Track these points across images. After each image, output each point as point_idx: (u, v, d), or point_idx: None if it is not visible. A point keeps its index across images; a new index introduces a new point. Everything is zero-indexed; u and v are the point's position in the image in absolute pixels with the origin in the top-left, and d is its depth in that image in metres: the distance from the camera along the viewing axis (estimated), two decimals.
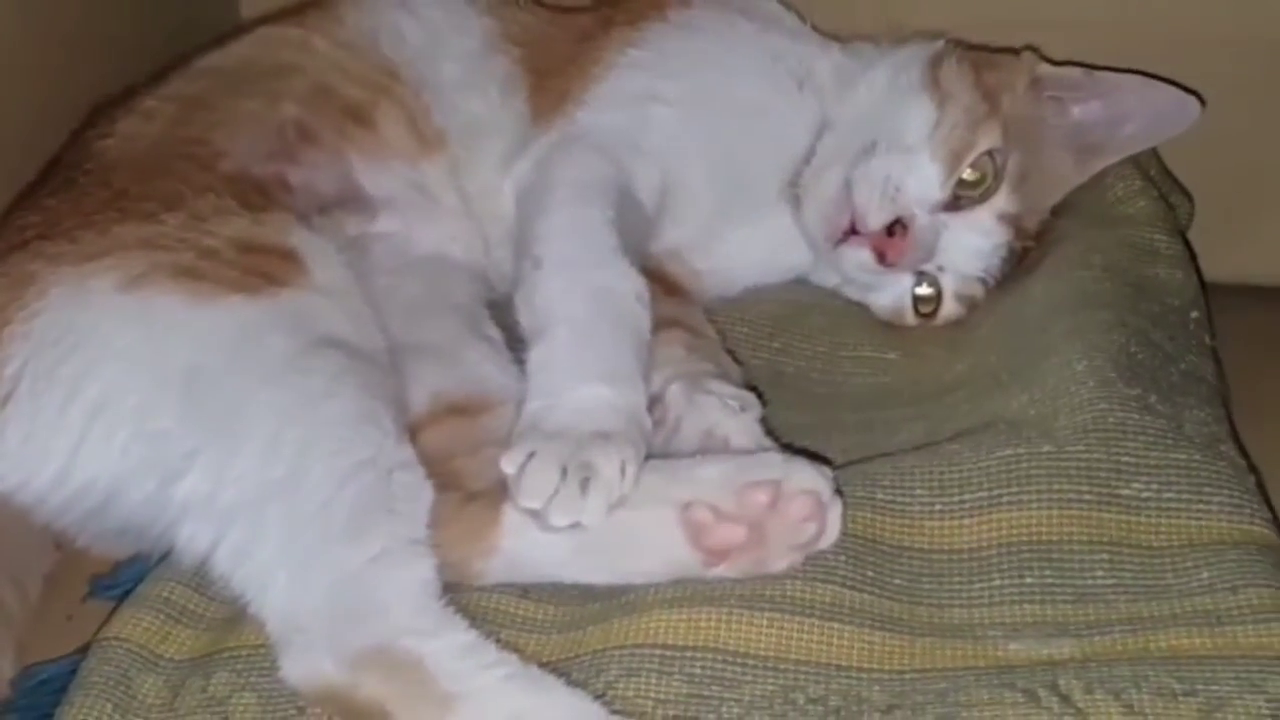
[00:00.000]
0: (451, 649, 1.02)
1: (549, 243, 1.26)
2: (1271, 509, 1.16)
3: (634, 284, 1.23)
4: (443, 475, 1.14)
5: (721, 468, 1.10)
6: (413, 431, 1.18)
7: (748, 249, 1.47)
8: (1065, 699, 1.00)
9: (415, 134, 1.40)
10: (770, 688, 1.03)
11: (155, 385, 1.12)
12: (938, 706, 1.01)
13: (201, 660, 1.10)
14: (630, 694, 1.02)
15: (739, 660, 1.04)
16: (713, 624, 1.05)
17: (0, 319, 1.15)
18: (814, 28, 1.52)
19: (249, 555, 1.07)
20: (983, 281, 1.38)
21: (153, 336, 1.14)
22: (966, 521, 1.14)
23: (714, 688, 1.03)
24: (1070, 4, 1.56)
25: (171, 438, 1.11)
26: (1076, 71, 1.41)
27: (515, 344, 1.27)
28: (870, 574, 1.10)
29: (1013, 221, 1.37)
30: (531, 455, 1.09)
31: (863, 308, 1.45)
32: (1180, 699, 0.99)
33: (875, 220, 1.32)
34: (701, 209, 1.43)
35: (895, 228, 1.32)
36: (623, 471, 1.08)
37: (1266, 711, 0.98)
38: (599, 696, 1.01)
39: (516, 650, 1.05)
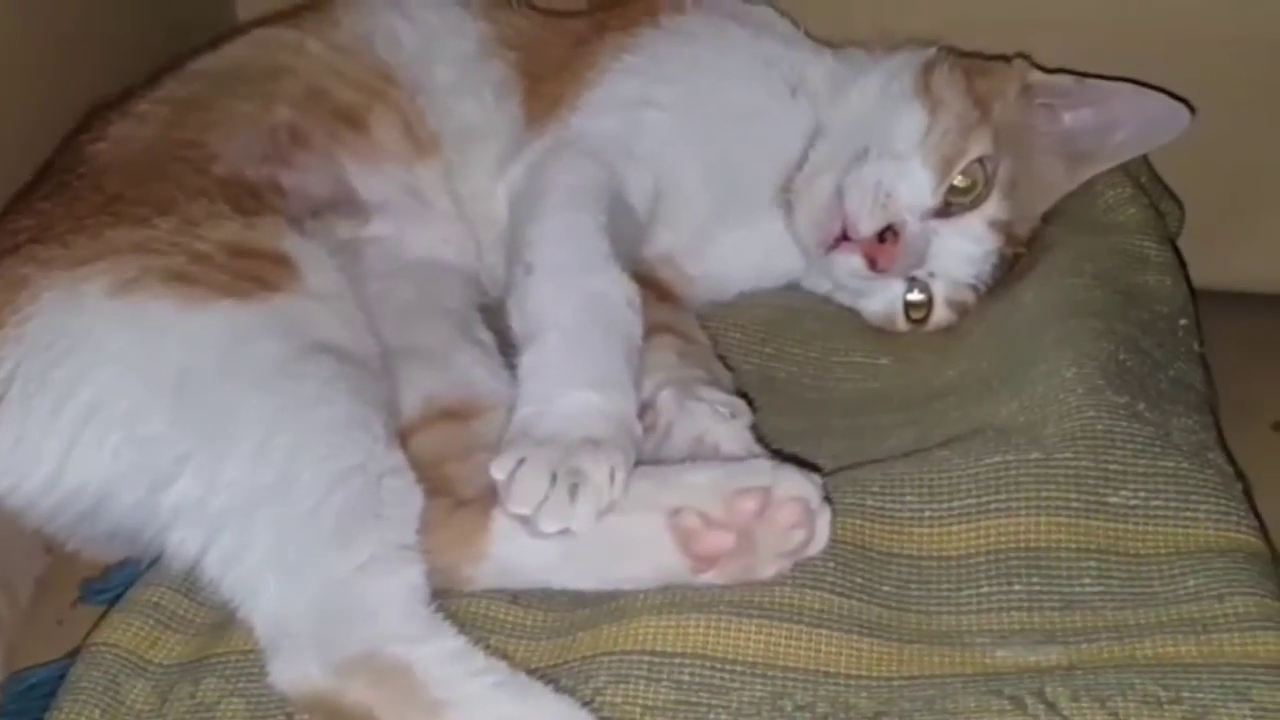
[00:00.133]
0: (440, 655, 1.02)
1: (541, 248, 1.26)
2: (1258, 517, 1.16)
3: (625, 290, 1.23)
4: (433, 480, 1.14)
5: (711, 474, 1.10)
6: (404, 436, 1.18)
7: (740, 254, 1.47)
8: (1051, 706, 1.00)
9: (409, 138, 1.40)
10: (758, 694, 1.03)
11: (146, 390, 1.12)
12: (925, 713, 1.02)
13: (190, 666, 1.10)
14: (619, 700, 1.02)
15: (727, 667, 1.04)
16: (701, 630, 1.05)
17: None
18: (807, 34, 1.52)
19: (238, 560, 1.07)
20: (973, 288, 1.39)
21: (144, 341, 1.14)
22: (955, 528, 1.15)
23: (702, 694, 1.03)
24: (1061, 9, 1.55)
25: (162, 442, 1.11)
26: (1068, 79, 1.42)
27: (508, 348, 1.27)
28: (859, 580, 1.10)
29: (1003, 228, 1.37)
30: (521, 461, 1.09)
31: (854, 313, 1.45)
32: (1166, 706, 1.00)
33: (867, 227, 1.33)
34: (694, 214, 1.43)
35: (887, 234, 1.32)
36: (612, 478, 1.09)
37: (1251, 719, 0.98)
38: (587, 703, 1.02)
39: (505, 656, 1.05)
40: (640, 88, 1.42)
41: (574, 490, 1.08)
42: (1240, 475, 1.20)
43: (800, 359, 1.41)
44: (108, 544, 1.21)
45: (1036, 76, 1.42)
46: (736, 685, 1.03)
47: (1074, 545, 1.12)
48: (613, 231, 1.28)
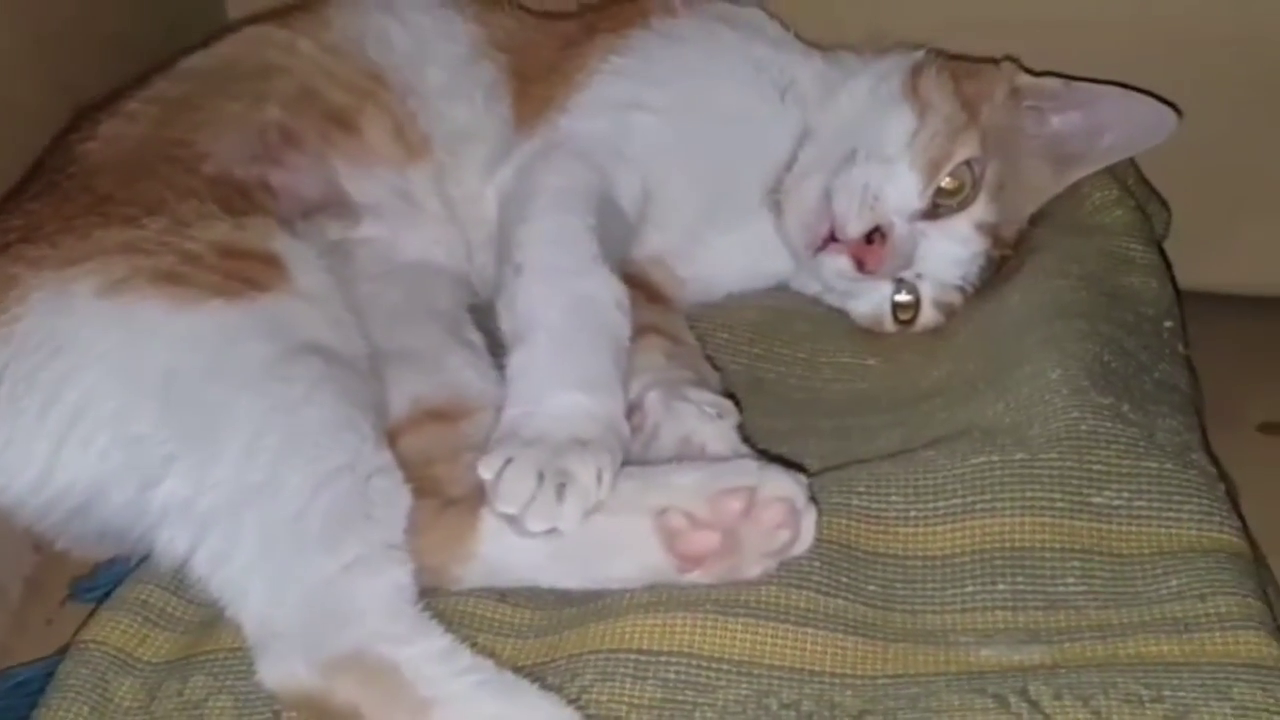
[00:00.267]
0: (427, 654, 1.02)
1: (530, 249, 1.27)
2: (1241, 517, 1.17)
3: (614, 291, 1.23)
4: (421, 480, 1.15)
5: (697, 475, 1.11)
6: (392, 436, 1.18)
7: (729, 256, 1.47)
8: (1034, 705, 1.01)
9: (400, 140, 1.40)
10: (744, 692, 1.04)
11: (135, 390, 1.13)
12: (909, 712, 1.03)
13: (178, 663, 1.11)
14: (605, 698, 1.03)
15: (713, 665, 1.05)
16: (687, 629, 1.06)
17: None
18: (797, 37, 1.52)
19: (226, 560, 1.07)
20: (961, 289, 1.39)
21: (133, 341, 1.14)
22: (940, 528, 1.15)
23: (688, 692, 1.04)
24: (1050, 9, 1.56)
25: (150, 443, 1.11)
26: (1055, 82, 1.42)
27: (498, 349, 1.27)
28: (844, 580, 1.11)
29: (990, 230, 1.38)
30: (509, 461, 1.10)
31: (842, 315, 1.45)
32: (1147, 705, 1.00)
33: (854, 228, 1.33)
34: (683, 216, 1.43)
35: (874, 236, 1.33)
36: (599, 478, 1.09)
37: (1232, 718, 0.99)
38: (574, 701, 1.02)
39: (493, 655, 1.06)
40: (630, 90, 1.42)
41: (561, 490, 1.08)
42: (1224, 476, 1.21)
43: (788, 360, 1.42)
44: (97, 542, 1.21)
45: (1024, 79, 1.42)
46: (722, 683, 1.04)
47: (1058, 545, 1.13)
48: (602, 233, 1.28)
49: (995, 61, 1.45)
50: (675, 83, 1.43)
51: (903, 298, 1.40)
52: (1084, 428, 1.18)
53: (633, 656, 1.05)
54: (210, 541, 1.08)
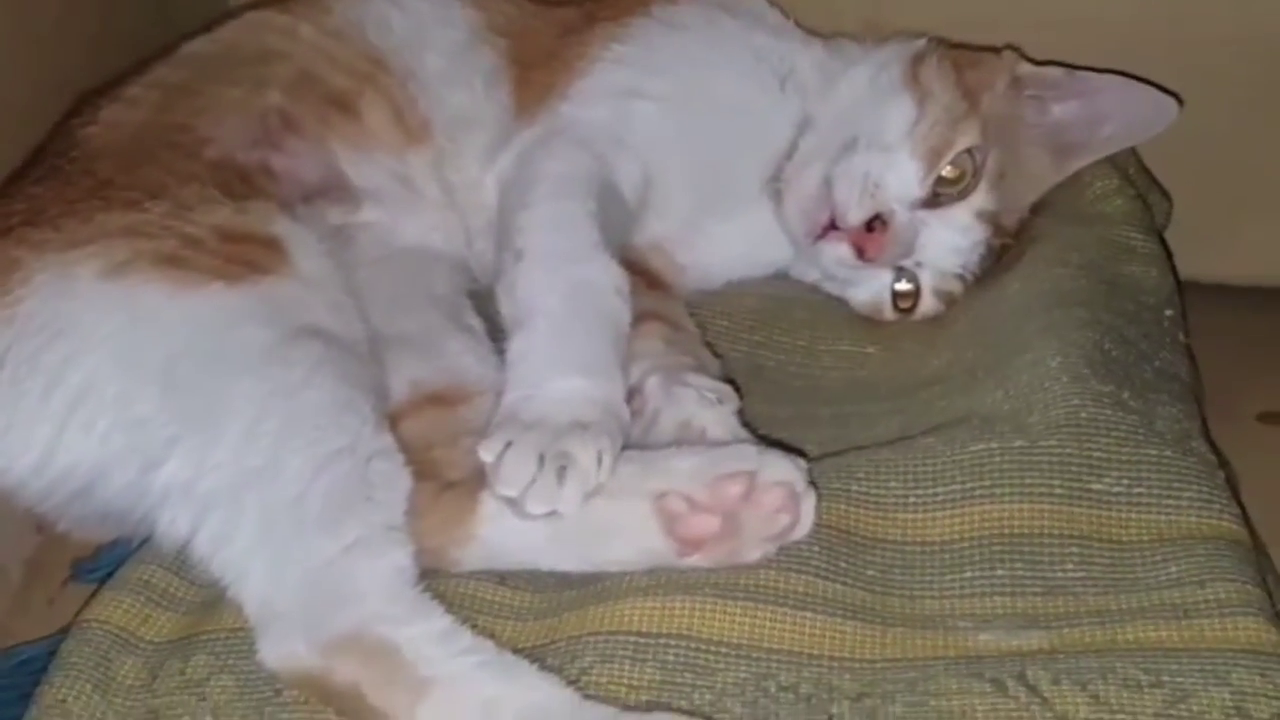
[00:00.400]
0: (427, 635, 1.03)
1: (530, 235, 1.27)
2: (1241, 505, 1.17)
3: (614, 277, 1.24)
4: (421, 464, 1.15)
5: (696, 459, 1.11)
6: (392, 421, 1.18)
7: (729, 243, 1.47)
8: (1032, 689, 1.01)
9: (400, 125, 1.40)
10: (742, 675, 1.04)
11: (137, 373, 1.13)
12: (907, 695, 1.03)
13: (180, 643, 1.11)
14: (604, 680, 1.03)
15: (712, 648, 1.05)
16: (686, 612, 1.06)
17: None
18: (797, 25, 1.52)
19: (227, 542, 1.08)
20: (961, 278, 1.39)
21: (135, 324, 1.14)
22: (939, 514, 1.16)
23: (687, 675, 1.04)
24: (1051, 4, 1.56)
25: (152, 425, 1.11)
26: (1056, 71, 1.42)
27: (497, 334, 1.28)
28: (843, 565, 1.11)
29: (991, 219, 1.38)
30: (509, 444, 1.10)
31: (842, 303, 1.45)
32: (1146, 690, 1.01)
33: (855, 216, 1.33)
34: (683, 203, 1.43)
35: (874, 224, 1.33)
36: (599, 461, 1.10)
37: (1230, 703, 0.99)
38: (573, 682, 1.03)
39: (492, 636, 1.06)
40: (630, 78, 1.42)
41: (561, 473, 1.08)
42: (1224, 464, 1.21)
43: (788, 347, 1.42)
44: (98, 524, 1.22)
45: (1025, 68, 1.42)
46: (721, 666, 1.04)
47: (1057, 531, 1.13)
48: (602, 219, 1.28)
49: (996, 50, 1.45)
50: (676, 70, 1.43)
51: (903, 286, 1.40)
52: (1084, 415, 1.19)
53: (632, 639, 1.05)
54: (211, 523, 1.08)
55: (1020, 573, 1.11)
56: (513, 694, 1.01)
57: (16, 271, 1.16)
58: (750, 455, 1.11)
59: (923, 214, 1.36)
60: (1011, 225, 1.42)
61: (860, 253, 1.34)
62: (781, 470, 1.09)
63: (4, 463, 1.16)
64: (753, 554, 1.10)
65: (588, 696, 1.02)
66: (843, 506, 1.15)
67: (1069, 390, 1.21)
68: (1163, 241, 1.47)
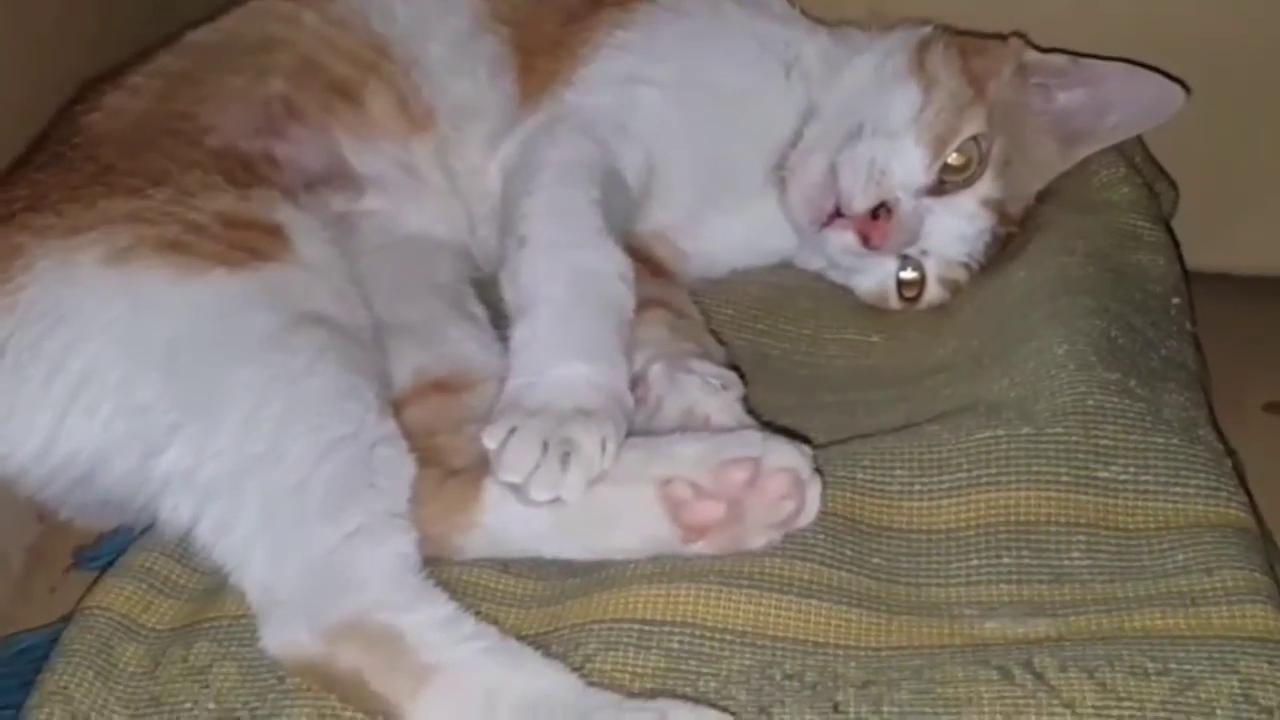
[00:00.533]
0: (430, 621, 1.02)
1: (534, 222, 1.26)
2: (1248, 493, 1.16)
3: (617, 264, 1.23)
4: (424, 451, 1.15)
5: (701, 445, 1.10)
6: (395, 408, 1.18)
7: (733, 231, 1.47)
8: (1039, 677, 1.01)
9: (403, 113, 1.40)
10: (747, 663, 1.04)
11: (139, 359, 1.13)
12: (913, 683, 1.02)
13: (183, 630, 1.11)
14: (608, 668, 1.03)
15: (717, 635, 1.05)
16: (691, 600, 1.06)
17: None
18: (802, 13, 1.52)
19: (230, 529, 1.07)
20: (966, 266, 1.39)
21: (137, 310, 1.14)
22: (945, 502, 1.15)
23: (691, 662, 1.03)
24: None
25: (154, 412, 1.11)
26: (1062, 59, 1.42)
27: (500, 322, 1.27)
28: (849, 552, 1.11)
29: (996, 207, 1.37)
30: (513, 430, 1.10)
31: (847, 291, 1.45)
32: (1153, 678, 1.00)
33: (860, 204, 1.33)
34: (687, 191, 1.43)
35: (880, 211, 1.33)
36: (603, 448, 1.09)
37: (1238, 691, 0.99)
38: (577, 670, 1.02)
39: (496, 624, 1.05)
40: (634, 64, 1.42)
41: (565, 459, 1.08)
42: (1230, 452, 1.20)
43: (793, 336, 1.42)
44: (100, 512, 1.22)
45: (1032, 56, 1.42)
46: (726, 654, 1.04)
47: (1063, 519, 1.12)
48: (606, 207, 1.28)
49: (1003, 38, 1.45)
50: (680, 57, 1.43)
51: (908, 274, 1.40)
52: (1090, 403, 1.18)
53: (636, 626, 1.05)
54: (213, 510, 1.08)
55: (1026, 561, 1.10)
56: (516, 681, 1.00)
57: (18, 258, 1.16)
58: (755, 441, 1.10)
59: (928, 202, 1.35)
60: (1017, 213, 1.41)
61: (865, 241, 1.34)
62: (786, 456, 1.09)
63: (6, 449, 1.15)
64: (757, 541, 1.09)
65: (592, 684, 1.01)
66: (848, 494, 1.15)
67: (1075, 378, 1.20)
68: (1169, 230, 1.46)
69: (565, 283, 1.21)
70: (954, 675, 1.02)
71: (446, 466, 1.16)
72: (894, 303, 1.41)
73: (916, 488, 1.16)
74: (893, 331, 1.41)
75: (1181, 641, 1.03)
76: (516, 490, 1.08)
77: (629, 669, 1.03)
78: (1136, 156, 1.51)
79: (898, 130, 1.35)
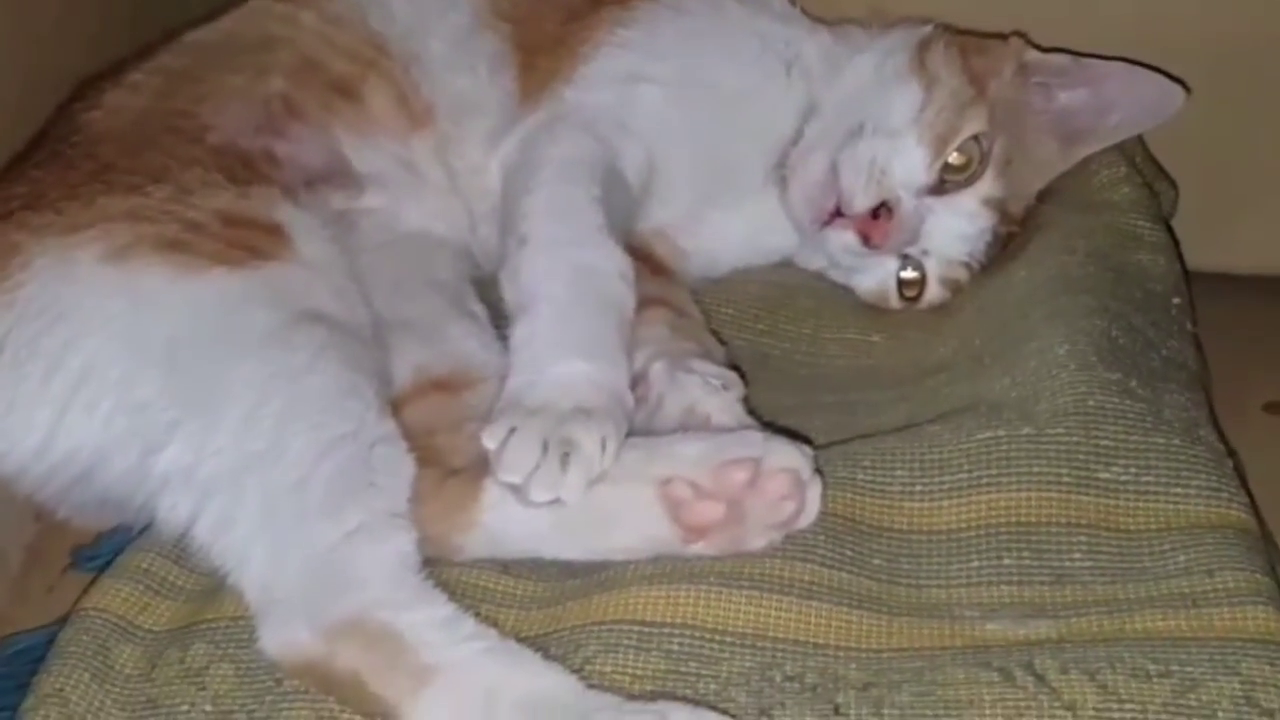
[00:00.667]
0: (429, 621, 1.02)
1: (534, 220, 1.26)
2: (1249, 494, 1.16)
3: (618, 262, 1.23)
4: (424, 451, 1.14)
5: (701, 445, 1.10)
6: (395, 407, 1.17)
7: (733, 230, 1.47)
8: (1040, 679, 1.00)
9: (403, 110, 1.40)
10: (748, 665, 1.03)
11: (138, 357, 1.12)
12: (914, 685, 1.02)
13: (180, 631, 1.10)
14: (608, 669, 1.03)
15: (717, 637, 1.04)
16: (691, 601, 1.06)
17: None
18: (803, 11, 1.52)
19: (228, 527, 1.07)
20: (967, 266, 1.39)
21: (136, 308, 1.14)
22: (946, 503, 1.15)
23: (692, 664, 1.03)
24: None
25: (153, 409, 1.11)
26: (1064, 58, 1.42)
27: (501, 321, 1.27)
28: (849, 553, 1.11)
29: (997, 206, 1.37)
30: (513, 430, 1.09)
31: (847, 291, 1.45)
32: (1154, 680, 1.00)
33: (861, 203, 1.33)
34: (687, 189, 1.43)
35: (880, 210, 1.32)
36: (603, 447, 1.09)
37: (1240, 693, 0.98)
38: (577, 671, 1.02)
39: (495, 625, 1.05)
40: (635, 63, 1.42)
41: (565, 459, 1.07)
42: (1231, 453, 1.20)
43: (793, 335, 1.41)
44: (99, 511, 1.21)
45: (1032, 55, 1.42)
46: (726, 656, 1.04)
47: (1064, 520, 1.12)
48: (607, 205, 1.28)
49: (1003, 37, 1.45)
50: (680, 55, 1.43)
51: (908, 274, 1.40)
52: (1091, 403, 1.18)
53: (636, 628, 1.05)
54: (212, 508, 1.08)
55: (1027, 562, 1.10)
56: (515, 682, 1.00)
57: (17, 256, 1.16)
58: (756, 442, 1.10)
59: (929, 201, 1.35)
60: (1018, 212, 1.41)
61: (866, 240, 1.33)
62: (787, 457, 1.09)
63: (5, 446, 1.15)
64: (758, 542, 1.09)
65: (591, 686, 1.01)
66: (848, 495, 1.15)
67: (1076, 378, 1.20)
68: (1170, 230, 1.46)
69: (566, 281, 1.21)
70: (955, 677, 1.01)
71: (446, 466, 1.15)
72: (895, 302, 1.41)
73: (917, 488, 1.16)
74: (893, 331, 1.40)
75: (1183, 643, 1.02)
76: (516, 490, 1.08)
77: (629, 671, 1.02)
78: (1137, 156, 1.51)
79: (899, 129, 1.35)
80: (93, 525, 1.27)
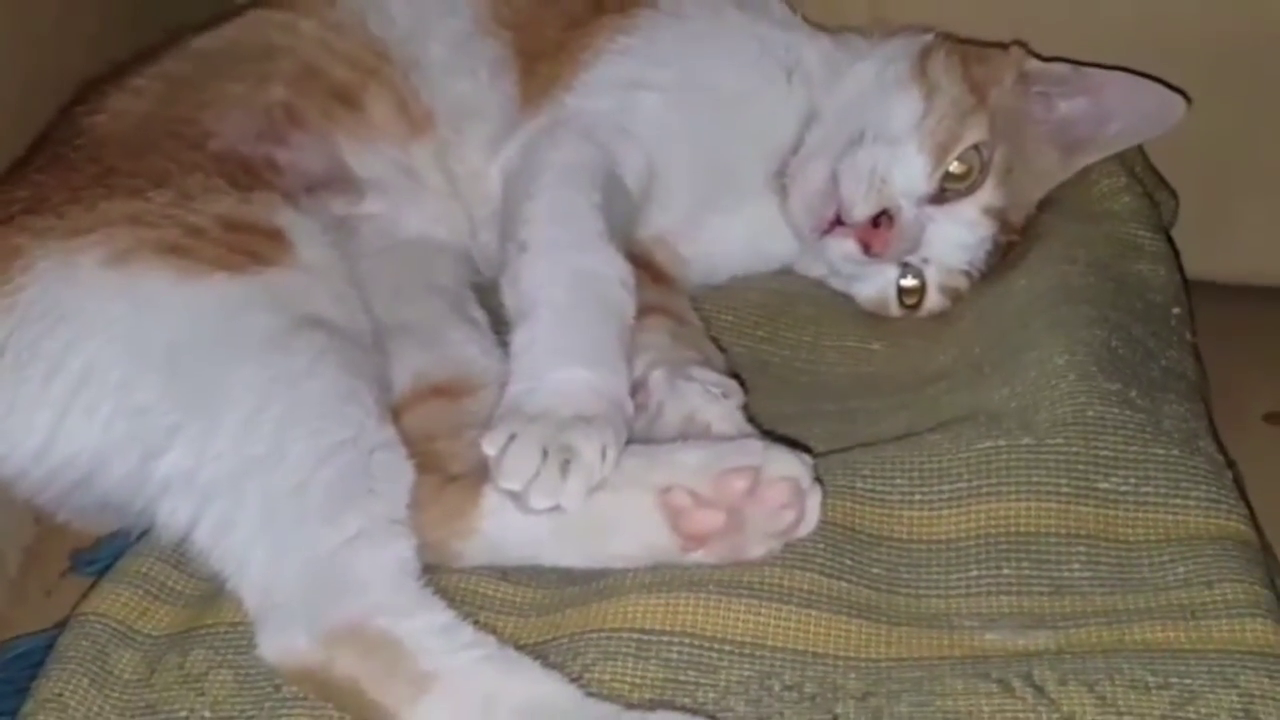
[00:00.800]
0: (428, 628, 1.02)
1: (535, 226, 1.26)
2: (1248, 505, 1.16)
3: (618, 269, 1.23)
4: (423, 457, 1.14)
5: (701, 453, 1.10)
6: (395, 412, 1.18)
7: (733, 237, 1.47)
8: (1039, 690, 1.01)
9: (403, 115, 1.40)
10: (746, 673, 1.03)
11: (138, 361, 1.12)
12: (913, 695, 1.02)
13: (179, 637, 1.10)
14: (607, 677, 1.02)
15: (716, 646, 1.04)
16: (690, 609, 1.06)
17: None
18: (804, 18, 1.52)
19: (228, 531, 1.07)
20: (967, 274, 1.39)
21: (137, 312, 1.14)
22: (945, 512, 1.15)
23: (690, 673, 1.03)
24: (1055, 2, 1.56)
25: (154, 413, 1.11)
26: (1064, 67, 1.42)
27: (502, 328, 1.27)
28: (848, 562, 1.11)
29: (998, 215, 1.37)
30: (513, 437, 1.09)
31: (847, 298, 1.45)
32: (1153, 691, 1.00)
33: (861, 211, 1.33)
34: (687, 196, 1.43)
35: (881, 219, 1.32)
36: (603, 455, 1.09)
37: (1238, 705, 0.99)
38: (576, 679, 1.02)
39: (494, 632, 1.05)
40: (635, 69, 1.42)
41: (565, 467, 1.07)
42: (1230, 464, 1.20)
43: (793, 343, 1.41)
44: (98, 515, 1.21)
45: (1033, 64, 1.42)
46: (725, 664, 1.04)
47: (1064, 530, 1.12)
48: (607, 211, 1.28)
49: (1004, 46, 1.45)
50: (681, 62, 1.43)
51: (908, 282, 1.40)
52: (1091, 413, 1.18)
53: (635, 636, 1.05)
54: (212, 513, 1.08)
55: (1026, 572, 1.10)
56: (514, 690, 1.00)
57: (18, 259, 1.16)
58: (756, 450, 1.10)
59: (929, 209, 1.35)
60: (1018, 221, 1.41)
61: (866, 248, 1.33)
62: (787, 466, 1.09)
63: (4, 449, 1.15)
64: (757, 550, 1.09)
65: (590, 694, 1.01)
66: (848, 503, 1.15)
67: (1076, 388, 1.20)
68: (1170, 239, 1.46)
69: (566, 287, 1.21)
70: (954, 687, 1.02)
71: (445, 472, 1.15)
72: (895, 310, 1.41)
73: (917, 497, 1.16)
74: (893, 339, 1.40)
75: (1182, 655, 1.03)
76: (516, 497, 1.08)
77: (627, 679, 1.02)
78: (1137, 166, 1.51)
79: (899, 137, 1.35)
80: (92, 529, 1.27)
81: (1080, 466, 1.15)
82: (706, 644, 1.04)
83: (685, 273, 1.45)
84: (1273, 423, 1.50)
